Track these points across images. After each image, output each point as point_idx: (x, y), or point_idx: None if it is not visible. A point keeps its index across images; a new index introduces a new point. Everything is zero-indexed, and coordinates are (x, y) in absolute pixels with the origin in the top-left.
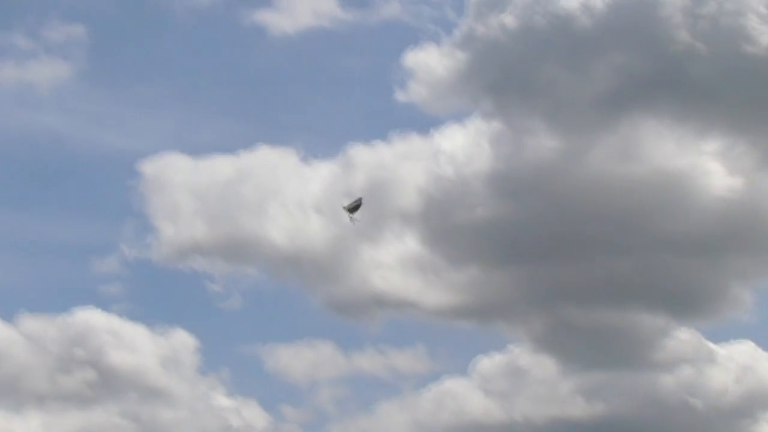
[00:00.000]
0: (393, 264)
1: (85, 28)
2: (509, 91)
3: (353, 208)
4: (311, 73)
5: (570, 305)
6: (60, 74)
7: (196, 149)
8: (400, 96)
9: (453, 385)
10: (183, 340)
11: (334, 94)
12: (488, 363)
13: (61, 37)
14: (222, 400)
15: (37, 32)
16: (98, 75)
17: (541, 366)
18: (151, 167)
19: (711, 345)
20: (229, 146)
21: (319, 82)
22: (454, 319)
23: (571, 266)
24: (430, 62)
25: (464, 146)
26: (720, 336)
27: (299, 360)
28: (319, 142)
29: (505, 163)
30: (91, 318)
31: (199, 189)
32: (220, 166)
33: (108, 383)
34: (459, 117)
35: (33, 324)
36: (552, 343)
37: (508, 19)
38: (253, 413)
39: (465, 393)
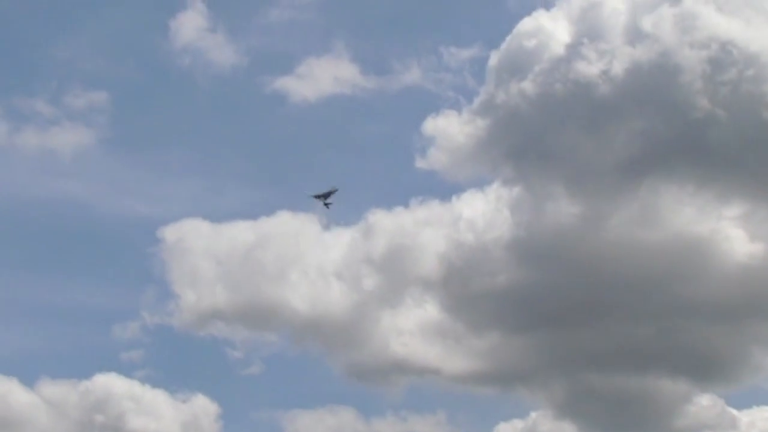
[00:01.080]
0: (414, 330)
1: (107, 95)
2: (529, 158)
3: (324, 195)
4: (332, 140)
5: (591, 371)
6: (82, 141)
7: (218, 215)
8: (421, 163)
9: None
10: (204, 406)
11: (355, 161)
12: (509, 429)
13: (84, 103)
14: None
15: (60, 99)
16: (120, 142)
17: None
18: (172, 233)
19: (733, 411)
20: (251, 212)
21: (340, 149)
22: (475, 386)
23: (591, 332)
24: (451, 129)
25: (484, 213)
26: (742, 402)
27: (320, 426)
28: (340, 208)
29: (526, 229)
30: (112, 384)
31: (220, 255)
32: (242, 233)
33: None
34: (479, 183)
35: (54, 390)
36: (573, 409)
37: (528, 86)
38: None
39: None
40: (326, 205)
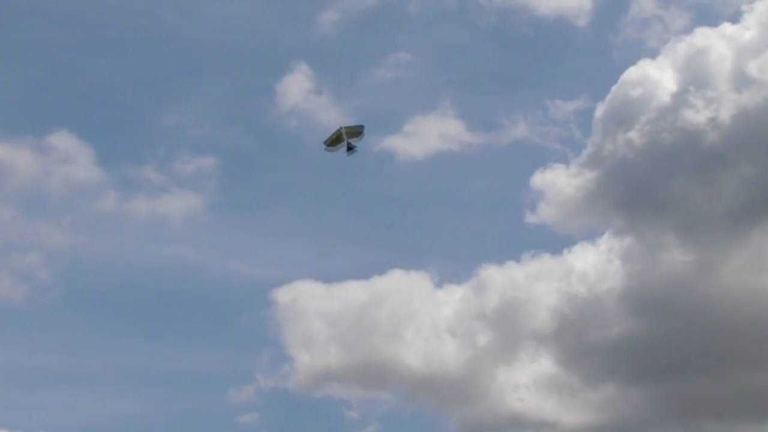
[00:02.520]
0: (529, 384)
1: (215, 160)
2: (639, 208)
3: (354, 133)
4: (441, 197)
5: (708, 421)
6: (192, 206)
7: (330, 276)
8: (531, 217)
9: None
10: None
11: (465, 217)
12: None
13: (192, 169)
14: None
15: (169, 166)
16: (230, 205)
17: None
18: (285, 295)
19: None
20: (362, 272)
21: (449, 206)
22: None
23: (707, 381)
24: (559, 182)
25: (596, 264)
26: None
27: None
28: (452, 265)
29: (638, 280)
30: None
31: (333, 315)
32: (354, 292)
33: None
34: (590, 235)
35: None
36: None
37: (635, 136)
38: None
39: None
40: (351, 148)
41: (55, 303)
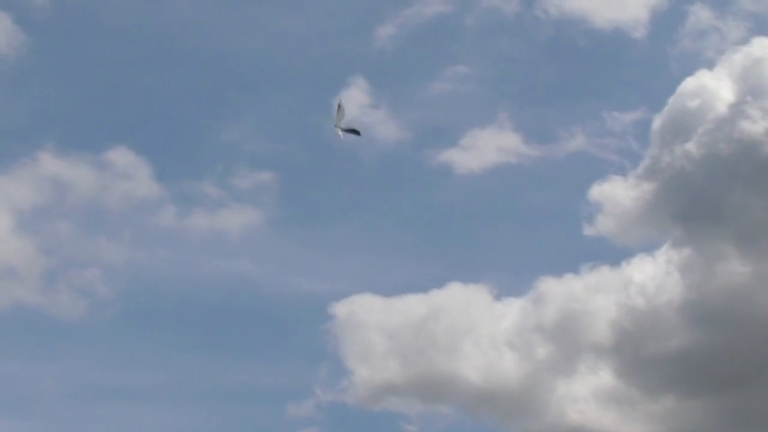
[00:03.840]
0: (588, 397)
1: (273, 175)
2: (698, 219)
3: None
4: (499, 210)
5: None
6: (250, 221)
7: (388, 289)
8: (589, 229)
9: None
10: None
11: (523, 230)
12: None
13: (250, 184)
14: None
15: (227, 181)
16: (288, 220)
17: None
18: (343, 309)
19: None
20: (421, 285)
21: (507, 219)
22: None
23: None
24: (617, 194)
25: (655, 276)
26: None
27: None
28: (510, 277)
29: (697, 291)
30: None
31: (391, 329)
32: (413, 306)
33: None
34: (648, 247)
35: None
36: None
37: (693, 147)
38: None
39: None
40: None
41: (114, 318)
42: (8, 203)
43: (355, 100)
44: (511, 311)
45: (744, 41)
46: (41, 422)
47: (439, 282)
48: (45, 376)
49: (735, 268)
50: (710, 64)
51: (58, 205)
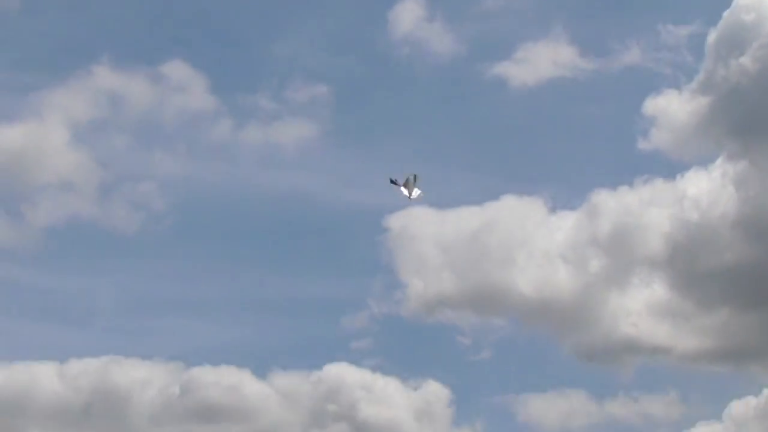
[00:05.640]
0: (641, 310)
1: (328, 88)
2: (753, 133)
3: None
4: (553, 123)
5: None
6: (305, 134)
7: (443, 202)
8: (643, 143)
9: (707, 430)
10: (436, 393)
11: (577, 143)
12: (742, 407)
13: (305, 97)
14: None
15: (282, 94)
16: (342, 133)
17: None
18: (398, 222)
19: None
20: (475, 198)
21: (562, 132)
22: (706, 364)
23: None
24: (672, 108)
25: (709, 190)
26: None
27: (552, 409)
28: (564, 190)
29: (752, 205)
30: (343, 373)
31: (446, 242)
32: (467, 218)
33: None
34: (703, 161)
35: (286, 381)
36: None
37: (748, 62)
38: None
39: None
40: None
41: (169, 232)
42: (64, 116)
43: (411, 14)
44: (566, 224)
45: None
46: (97, 333)
47: (494, 194)
48: (101, 288)
49: None
50: None
51: (113, 119)
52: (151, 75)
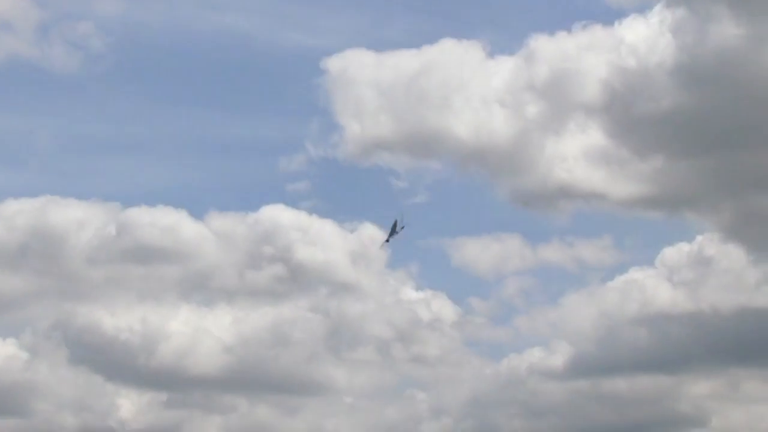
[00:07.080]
0: (577, 156)
1: None
2: None
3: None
4: None
5: (759, 193)
6: None
7: (381, 45)
8: None
9: (640, 275)
10: (371, 235)
11: None
12: (675, 253)
13: None
14: (411, 294)
15: None
16: None
17: (730, 255)
18: (336, 64)
19: None
20: (414, 41)
21: None
22: (641, 210)
23: (759, 154)
24: None
25: (647, 36)
26: None
27: (486, 253)
28: (503, 35)
29: (689, 53)
30: (279, 215)
31: (383, 85)
32: (405, 61)
33: (297, 279)
34: (641, 8)
35: (223, 222)
36: (740, 231)
37: None
38: (443, 306)
39: (652, 283)
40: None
41: (108, 72)
42: None
43: None
44: (503, 68)
45: None
46: (36, 173)
47: (432, 38)
48: (40, 128)
49: (728, 30)
50: None
51: None
52: None
